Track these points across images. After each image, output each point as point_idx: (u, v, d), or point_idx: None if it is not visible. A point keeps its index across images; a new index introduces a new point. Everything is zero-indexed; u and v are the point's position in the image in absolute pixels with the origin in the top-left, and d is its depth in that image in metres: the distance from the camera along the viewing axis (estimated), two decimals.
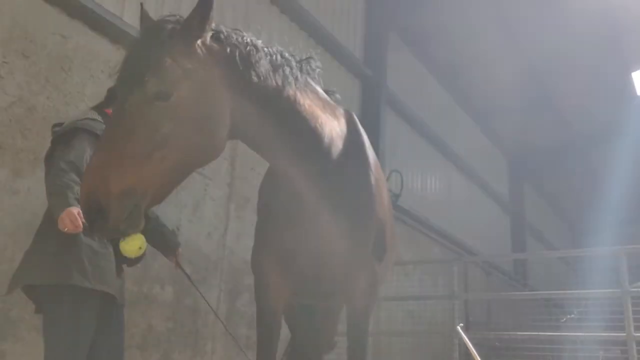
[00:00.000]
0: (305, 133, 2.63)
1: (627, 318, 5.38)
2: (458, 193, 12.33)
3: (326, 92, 2.97)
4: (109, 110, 3.14)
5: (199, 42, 2.27)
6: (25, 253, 2.86)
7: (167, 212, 5.06)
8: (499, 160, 15.28)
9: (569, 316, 8.28)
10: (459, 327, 3.83)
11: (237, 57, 2.38)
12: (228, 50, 2.37)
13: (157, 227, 3.46)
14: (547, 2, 9.85)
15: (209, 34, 2.32)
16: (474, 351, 3.27)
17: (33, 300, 2.93)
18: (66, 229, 2.60)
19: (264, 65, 2.46)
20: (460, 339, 4.06)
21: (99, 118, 3.08)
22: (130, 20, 5.02)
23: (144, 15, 2.42)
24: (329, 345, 4.46)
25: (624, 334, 5.41)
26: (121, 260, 2.99)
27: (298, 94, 2.60)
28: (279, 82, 2.51)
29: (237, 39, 2.43)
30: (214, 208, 5.75)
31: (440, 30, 10.29)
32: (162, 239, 3.45)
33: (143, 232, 3.40)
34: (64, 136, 2.96)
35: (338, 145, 2.82)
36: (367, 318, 3.27)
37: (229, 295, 5.75)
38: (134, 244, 2.58)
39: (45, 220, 2.93)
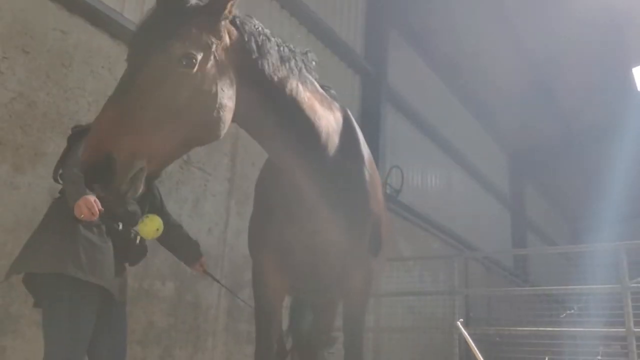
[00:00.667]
0: (304, 124, 2.65)
1: (627, 313, 5.39)
2: (458, 189, 12.33)
3: (322, 87, 2.98)
4: None
5: (222, 22, 2.30)
6: (25, 243, 2.88)
7: (168, 207, 5.06)
8: (500, 156, 15.28)
9: (568, 312, 8.29)
10: (458, 323, 3.83)
11: (253, 45, 2.42)
12: (245, 37, 2.42)
13: (180, 236, 3.49)
14: None
15: (230, 16, 2.36)
16: (474, 347, 3.27)
17: (32, 293, 2.94)
18: (82, 216, 2.62)
19: (274, 56, 2.50)
20: (461, 334, 4.07)
21: None
22: (131, 16, 5.02)
23: None
24: (328, 340, 4.47)
25: (624, 330, 5.42)
26: (123, 258, 3.00)
27: (300, 86, 2.63)
28: (285, 73, 2.55)
29: (251, 26, 2.49)
30: (214, 204, 5.75)
31: (441, 26, 10.27)
32: (185, 248, 3.47)
33: (167, 240, 3.42)
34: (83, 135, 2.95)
35: (334, 140, 2.84)
36: (363, 312, 3.29)
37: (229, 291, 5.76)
38: (152, 225, 2.58)
39: (48, 213, 2.95)
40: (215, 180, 5.81)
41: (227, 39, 2.32)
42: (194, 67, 2.12)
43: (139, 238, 3.05)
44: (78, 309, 2.73)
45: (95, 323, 2.88)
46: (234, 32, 2.39)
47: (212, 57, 2.21)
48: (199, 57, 2.14)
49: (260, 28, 2.53)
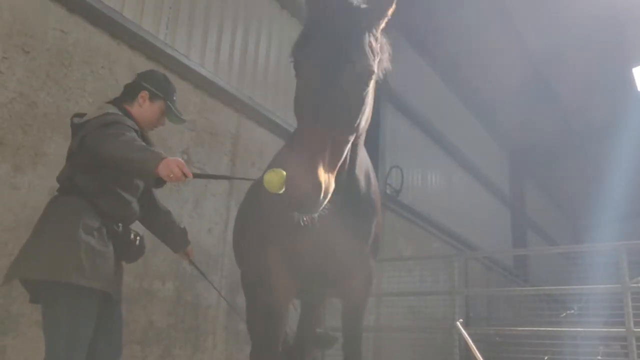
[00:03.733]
0: None
1: (627, 314, 5.38)
2: (459, 188, 12.32)
3: None
4: (128, 106, 3.16)
5: (380, 28, 2.35)
6: (24, 245, 2.82)
7: (168, 207, 5.06)
8: (500, 155, 15.27)
9: (569, 312, 8.28)
10: (458, 323, 3.84)
11: (387, 54, 2.52)
12: (385, 57, 2.48)
13: (169, 223, 3.47)
14: None
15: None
16: (474, 347, 3.27)
17: (29, 291, 2.90)
18: (172, 175, 2.58)
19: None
20: (461, 334, 4.07)
21: (120, 113, 3.06)
22: (131, 15, 5.02)
23: None
24: (328, 341, 4.47)
25: (624, 330, 5.41)
26: (121, 257, 2.99)
27: None
28: None
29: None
30: (214, 204, 5.75)
31: (440, 25, 10.25)
32: (173, 235, 3.46)
33: (155, 225, 3.39)
34: (110, 126, 2.86)
35: None
36: (363, 313, 3.32)
37: (229, 291, 5.76)
38: (283, 176, 2.37)
39: (45, 214, 2.88)
40: (216, 180, 5.81)
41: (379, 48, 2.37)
42: (372, 81, 2.20)
43: (138, 239, 3.03)
44: (78, 314, 2.71)
45: (106, 323, 2.89)
46: (380, 40, 2.42)
47: (377, 66, 2.30)
48: (375, 69, 2.22)
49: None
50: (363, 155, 2.92)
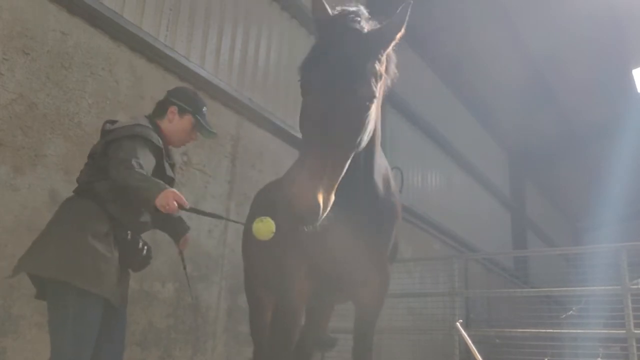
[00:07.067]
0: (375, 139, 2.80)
1: (627, 315, 5.38)
2: (459, 189, 12.32)
3: None
4: (159, 121, 3.25)
5: (388, 50, 2.47)
6: (34, 241, 2.86)
7: None
8: (500, 156, 15.27)
9: (568, 313, 8.28)
10: (458, 324, 3.83)
11: (392, 73, 2.68)
12: (391, 71, 2.66)
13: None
14: None
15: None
16: (474, 348, 3.27)
17: (35, 286, 2.91)
18: (167, 207, 2.68)
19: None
20: (461, 335, 4.07)
21: (150, 126, 3.13)
22: (131, 17, 5.02)
23: (319, 5, 2.48)
24: (329, 342, 4.47)
25: (624, 331, 5.41)
26: (127, 264, 3.00)
27: None
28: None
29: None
30: (214, 205, 5.75)
31: (441, 26, 10.25)
32: (172, 221, 3.43)
33: (154, 218, 3.38)
34: (131, 139, 2.94)
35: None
36: (377, 316, 3.34)
37: (230, 293, 5.77)
38: (270, 226, 2.57)
39: (60, 212, 2.92)
40: (216, 182, 5.81)
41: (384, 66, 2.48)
42: (372, 105, 2.29)
43: (145, 249, 3.05)
44: (84, 316, 2.73)
45: (108, 328, 2.89)
46: (384, 62, 2.51)
47: (380, 89, 2.40)
48: (377, 94, 2.31)
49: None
50: (381, 162, 2.97)
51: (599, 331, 6.27)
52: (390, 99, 9.40)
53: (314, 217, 2.04)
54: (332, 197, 2.14)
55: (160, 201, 2.68)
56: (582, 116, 13.70)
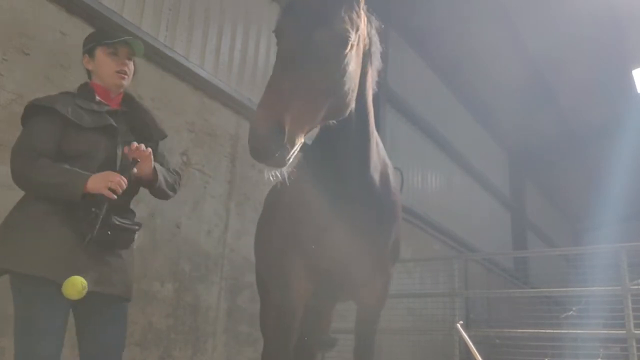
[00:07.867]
0: (369, 124, 2.79)
1: (627, 315, 5.38)
2: (459, 190, 12.31)
3: None
4: (90, 81, 3.06)
5: (363, 6, 2.43)
6: None
7: (167, 209, 5.07)
8: (500, 157, 15.26)
9: (568, 313, 8.28)
10: (458, 325, 3.82)
11: (375, 38, 2.63)
12: (373, 30, 2.61)
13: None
14: None
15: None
16: (474, 349, 3.26)
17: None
18: (110, 184, 2.50)
19: (377, 55, 2.71)
20: (461, 336, 4.06)
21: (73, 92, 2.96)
22: (130, 16, 5.02)
23: None
24: (329, 343, 4.46)
25: (624, 332, 5.41)
26: (110, 245, 2.69)
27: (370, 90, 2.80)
28: (375, 73, 2.76)
29: (375, 21, 2.66)
30: (214, 205, 5.74)
31: (441, 26, 10.25)
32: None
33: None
34: (25, 120, 2.85)
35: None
36: (378, 316, 3.32)
37: (229, 293, 5.76)
38: (77, 282, 2.37)
39: (15, 207, 2.82)
40: (215, 182, 5.80)
41: (363, 25, 2.44)
42: (349, 47, 2.23)
43: (119, 222, 2.67)
44: (28, 305, 2.55)
45: (91, 320, 2.71)
46: (365, 20, 2.50)
47: (357, 39, 2.34)
48: (354, 38, 2.27)
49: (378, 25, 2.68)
50: (377, 157, 2.91)
51: (599, 331, 6.27)
52: (390, 99, 9.42)
53: (276, 140, 1.88)
54: (301, 139, 2.03)
55: (95, 184, 2.48)
56: (582, 116, 13.69)
